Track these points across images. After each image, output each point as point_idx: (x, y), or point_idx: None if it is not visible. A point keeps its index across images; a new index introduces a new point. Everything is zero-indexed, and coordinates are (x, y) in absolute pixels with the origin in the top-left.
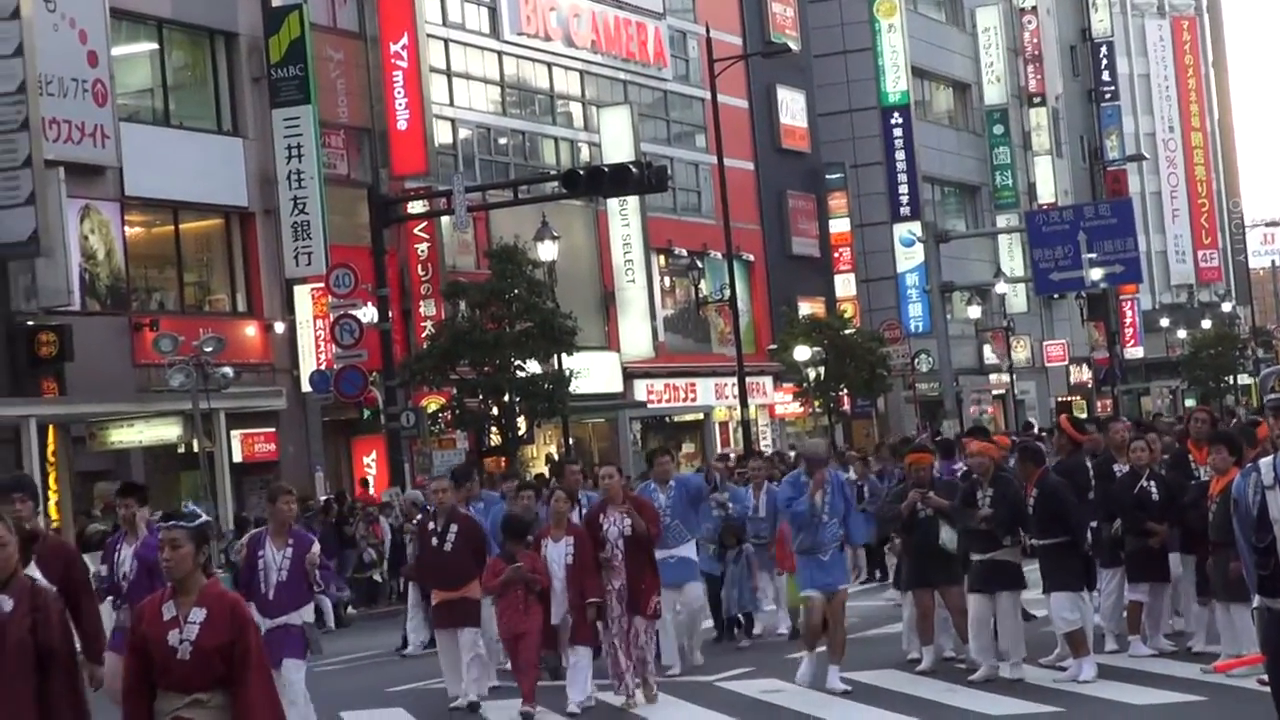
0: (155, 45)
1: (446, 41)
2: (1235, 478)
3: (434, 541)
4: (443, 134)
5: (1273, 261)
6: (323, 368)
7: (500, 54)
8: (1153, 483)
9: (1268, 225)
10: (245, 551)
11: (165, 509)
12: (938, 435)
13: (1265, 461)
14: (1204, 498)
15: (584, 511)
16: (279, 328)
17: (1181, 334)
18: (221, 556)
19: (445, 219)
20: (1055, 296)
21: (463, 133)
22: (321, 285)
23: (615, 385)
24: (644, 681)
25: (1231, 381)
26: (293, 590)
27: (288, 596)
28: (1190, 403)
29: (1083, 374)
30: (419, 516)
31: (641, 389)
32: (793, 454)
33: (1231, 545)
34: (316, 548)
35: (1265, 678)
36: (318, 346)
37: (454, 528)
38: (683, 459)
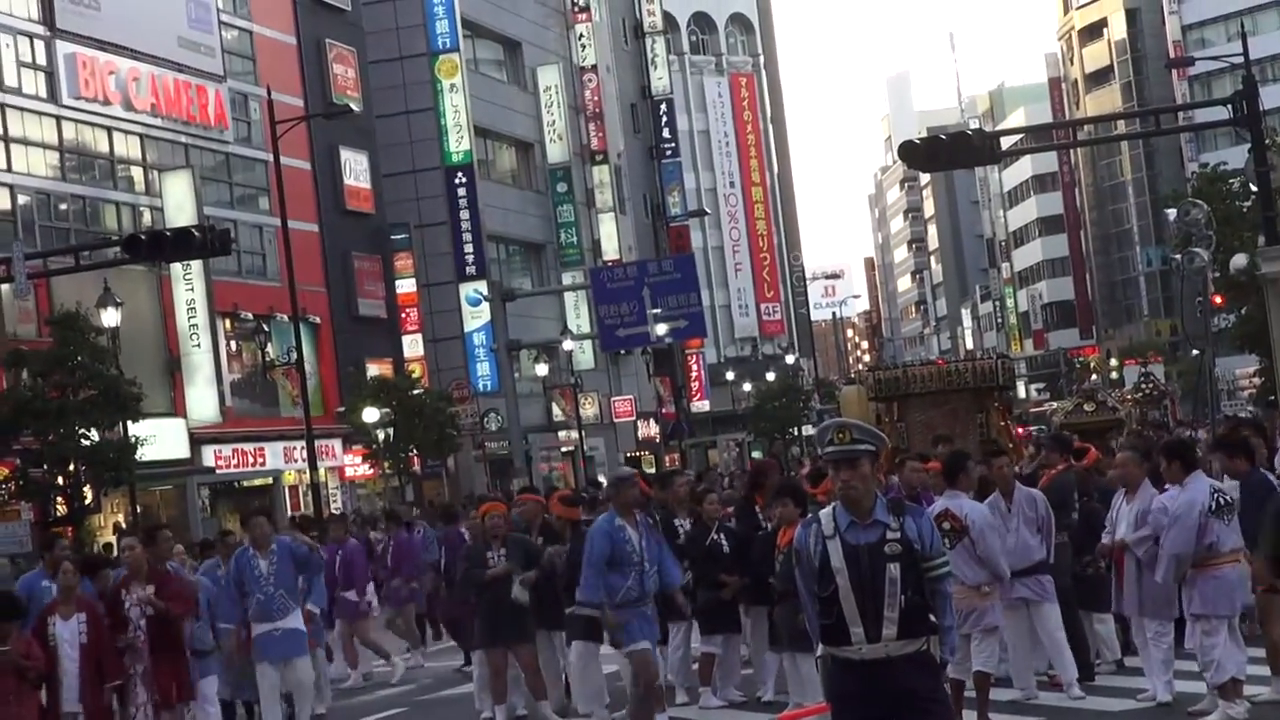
0: None
1: (3, 106)
2: (797, 529)
3: None
4: (1, 200)
5: (833, 314)
6: None
7: (59, 118)
8: (723, 535)
9: (828, 278)
10: None
11: None
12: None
13: (825, 512)
14: (772, 549)
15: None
16: None
17: (747, 386)
18: None
19: (5, 287)
20: (622, 352)
21: (21, 199)
22: None
23: (183, 451)
24: None
25: (796, 432)
26: None
27: None
28: (757, 454)
29: (651, 428)
30: None
31: (210, 454)
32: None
33: (797, 595)
34: None
35: None
36: None
37: None
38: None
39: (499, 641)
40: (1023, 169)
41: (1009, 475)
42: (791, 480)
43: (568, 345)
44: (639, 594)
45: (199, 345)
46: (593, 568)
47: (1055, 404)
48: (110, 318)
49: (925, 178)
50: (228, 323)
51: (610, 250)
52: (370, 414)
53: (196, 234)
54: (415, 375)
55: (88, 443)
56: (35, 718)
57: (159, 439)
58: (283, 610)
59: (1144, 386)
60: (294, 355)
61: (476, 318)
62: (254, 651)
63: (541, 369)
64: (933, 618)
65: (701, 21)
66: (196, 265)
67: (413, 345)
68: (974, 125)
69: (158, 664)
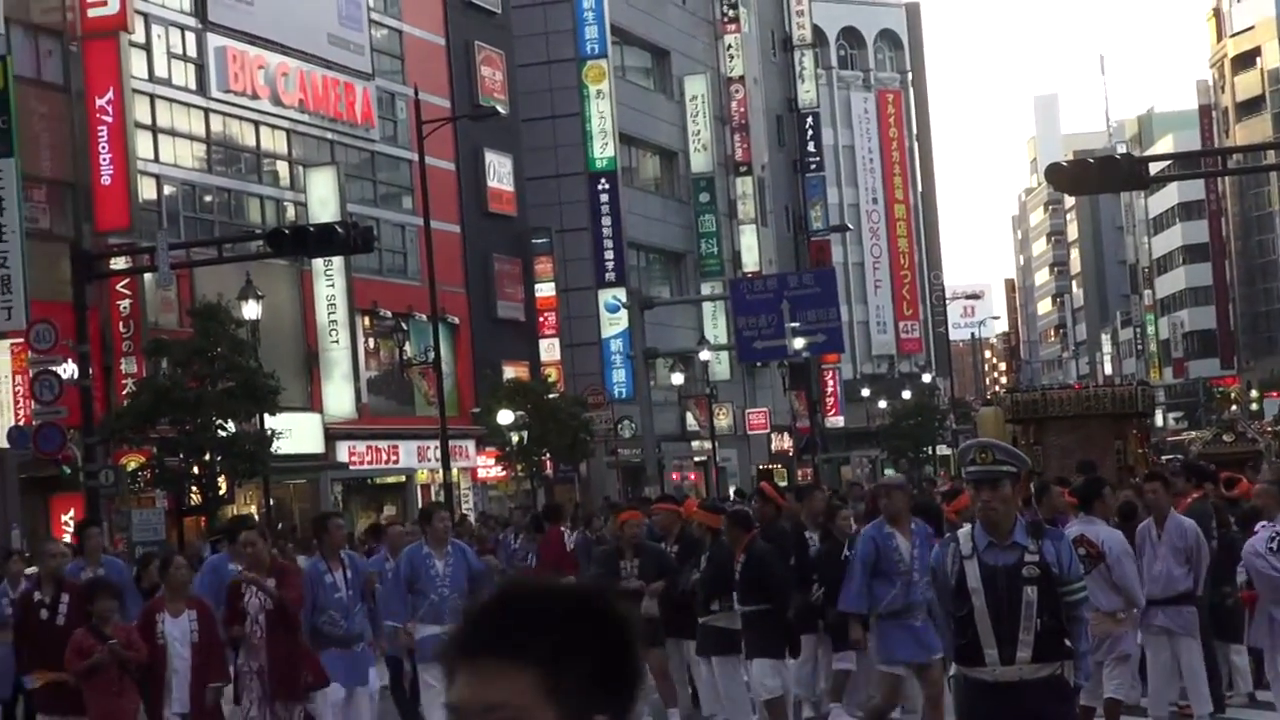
0: None
1: (153, 97)
2: (935, 548)
3: (42, 614)
4: (147, 190)
5: (972, 334)
6: (21, 424)
7: (207, 111)
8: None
9: (968, 298)
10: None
11: None
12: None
13: (963, 532)
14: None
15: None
16: None
17: (882, 404)
18: None
19: (148, 276)
20: (758, 365)
21: (167, 189)
22: (21, 340)
23: (317, 446)
24: None
25: (930, 452)
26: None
27: None
28: (889, 472)
29: (784, 442)
30: (23, 585)
31: (344, 450)
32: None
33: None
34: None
35: None
36: (16, 402)
37: (65, 597)
38: (385, 521)
39: None
40: (1169, 196)
41: (1164, 501)
42: (925, 499)
43: (704, 355)
44: (904, 604)
45: (337, 341)
46: (859, 575)
47: (1193, 433)
48: (251, 310)
49: (1070, 201)
50: (367, 320)
51: (750, 262)
52: (505, 416)
53: (339, 230)
54: (551, 379)
55: (224, 434)
56: (134, 712)
57: (294, 433)
58: (451, 613)
59: None
60: (431, 355)
61: (614, 324)
62: (419, 653)
63: (677, 378)
64: (1068, 642)
65: (850, 36)
66: (338, 262)
67: (550, 349)
68: (1121, 150)
69: (275, 658)
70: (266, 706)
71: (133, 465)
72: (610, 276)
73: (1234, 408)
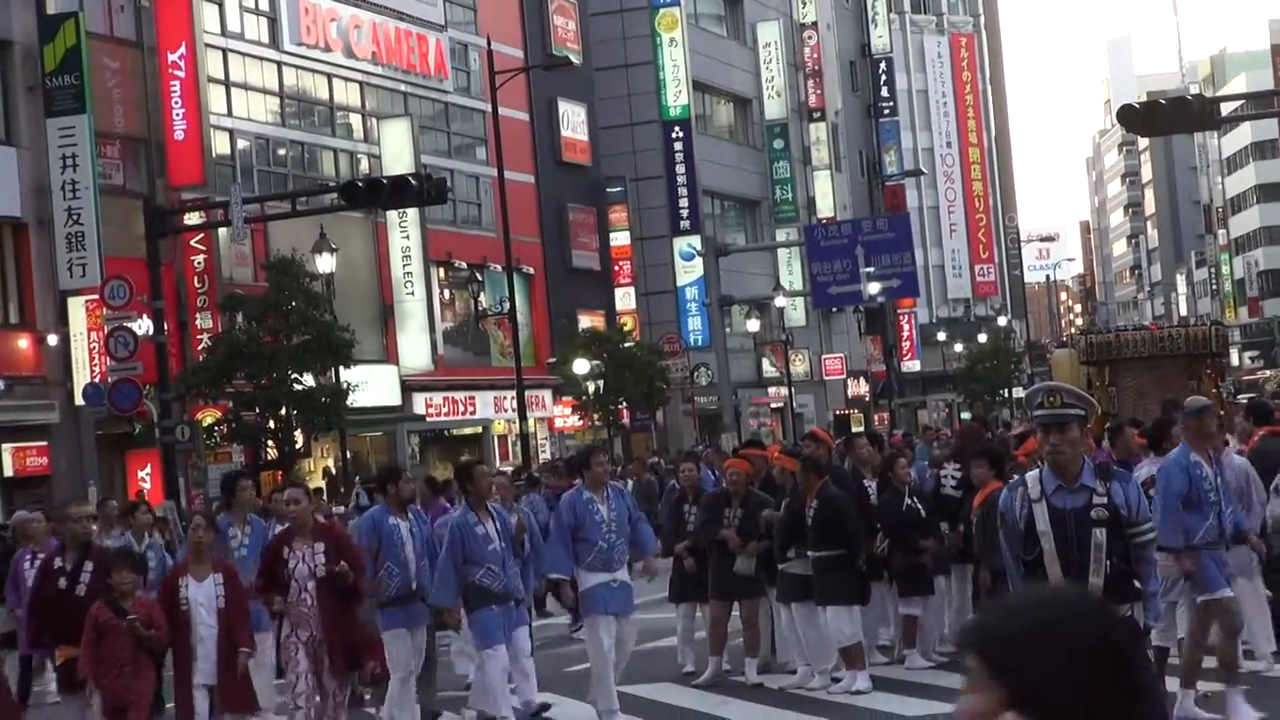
0: None
1: (225, 51)
2: (1001, 491)
3: (61, 583)
4: (220, 144)
5: (1047, 276)
6: (97, 381)
7: (280, 64)
8: (916, 499)
9: (1042, 240)
10: None
11: None
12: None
13: (1031, 475)
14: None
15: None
16: (52, 340)
17: (958, 348)
18: None
19: (222, 231)
20: (833, 310)
21: (241, 143)
22: (96, 297)
23: (393, 398)
24: None
25: (1007, 395)
26: None
27: None
28: (966, 415)
29: (860, 387)
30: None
31: (420, 402)
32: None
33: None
34: None
35: None
36: (91, 359)
37: (88, 565)
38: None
39: (730, 595)
40: (1242, 135)
41: (1218, 440)
42: (989, 444)
43: (780, 302)
44: (1217, 535)
45: (412, 293)
46: (1169, 509)
47: (1269, 372)
48: (325, 264)
49: (1143, 142)
50: (441, 271)
51: (825, 208)
52: (581, 365)
53: (413, 182)
54: (627, 328)
55: (300, 388)
56: (149, 695)
57: (370, 385)
58: (622, 559)
59: None
60: (506, 305)
61: (689, 272)
62: (588, 604)
63: (753, 325)
64: (1137, 584)
65: None
66: (412, 213)
67: (625, 298)
68: (1194, 90)
69: (328, 629)
70: (314, 680)
71: (209, 421)
72: (685, 224)
73: None
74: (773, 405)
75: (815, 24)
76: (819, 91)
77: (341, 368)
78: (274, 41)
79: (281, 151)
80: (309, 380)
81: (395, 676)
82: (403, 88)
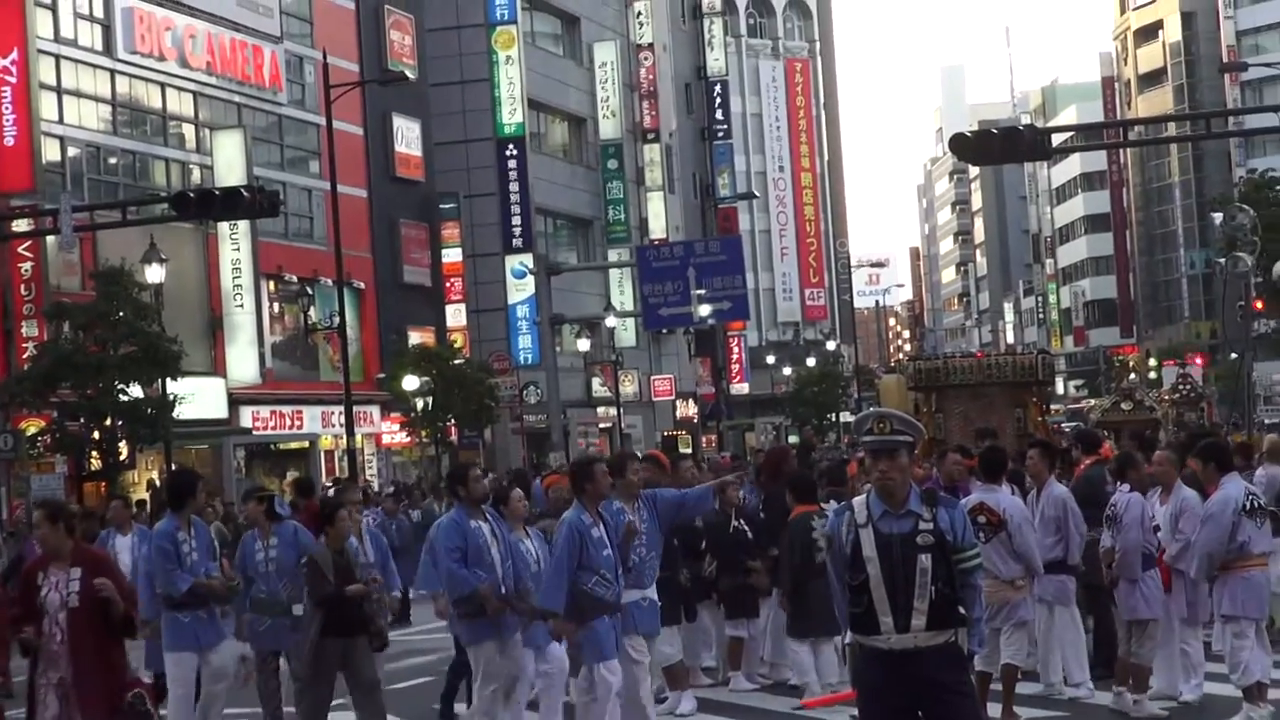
0: None
1: (58, 58)
2: (830, 517)
3: None
4: (51, 152)
5: (876, 302)
6: None
7: (113, 72)
8: (743, 521)
9: (873, 266)
10: None
11: None
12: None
13: (859, 500)
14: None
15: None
16: None
17: (787, 371)
18: None
19: (51, 239)
20: (664, 331)
21: (71, 151)
22: None
23: (220, 411)
24: None
25: (834, 419)
26: None
27: None
28: (794, 439)
29: (689, 409)
30: None
31: (247, 415)
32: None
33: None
34: None
35: (856, 714)
36: None
37: None
38: (286, 488)
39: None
40: (1071, 166)
41: (1042, 468)
42: (803, 475)
43: (610, 322)
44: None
45: (242, 305)
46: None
47: (1093, 401)
48: (154, 274)
49: (974, 171)
50: (271, 284)
51: (657, 229)
52: (410, 382)
53: (245, 194)
54: (457, 345)
55: (126, 398)
56: None
57: (198, 398)
58: (652, 575)
59: (1181, 388)
60: (336, 320)
61: (520, 290)
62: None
63: (583, 344)
64: (962, 610)
65: (760, 5)
66: (243, 225)
67: (456, 315)
68: (1025, 120)
69: (80, 669)
70: None
71: (32, 430)
72: (517, 242)
73: (1133, 376)
74: (601, 425)
75: (652, 45)
76: (654, 113)
77: (168, 379)
78: (107, 49)
79: (113, 160)
80: (135, 391)
81: (486, 689)
82: (237, 99)
